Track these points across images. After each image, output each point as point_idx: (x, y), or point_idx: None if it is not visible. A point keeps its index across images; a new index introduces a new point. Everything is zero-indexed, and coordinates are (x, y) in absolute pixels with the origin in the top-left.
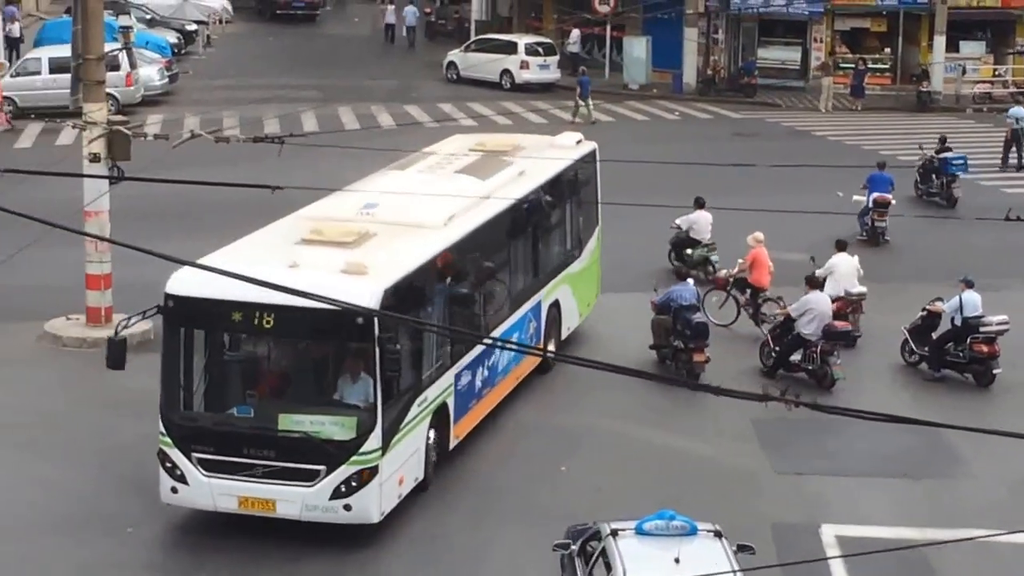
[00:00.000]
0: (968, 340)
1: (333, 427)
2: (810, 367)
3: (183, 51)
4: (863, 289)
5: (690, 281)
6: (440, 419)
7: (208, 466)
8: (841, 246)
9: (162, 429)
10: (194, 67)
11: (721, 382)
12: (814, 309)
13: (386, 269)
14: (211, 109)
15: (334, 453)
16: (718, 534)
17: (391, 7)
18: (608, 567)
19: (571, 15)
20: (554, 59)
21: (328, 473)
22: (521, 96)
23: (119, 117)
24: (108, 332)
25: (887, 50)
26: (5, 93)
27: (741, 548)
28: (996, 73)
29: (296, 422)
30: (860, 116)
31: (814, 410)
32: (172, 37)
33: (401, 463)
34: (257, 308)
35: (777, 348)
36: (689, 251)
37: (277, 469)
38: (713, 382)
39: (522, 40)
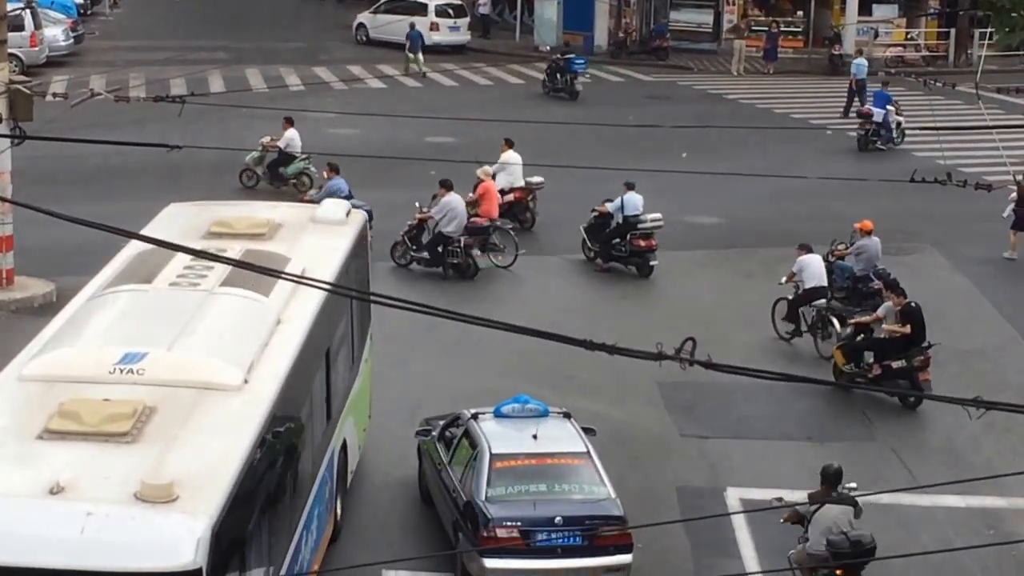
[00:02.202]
0: (628, 236)
1: None
2: (454, 261)
3: (89, 11)
4: (540, 179)
5: None
6: None
7: None
8: (510, 143)
9: None
10: (101, 28)
11: (617, 340)
12: (455, 209)
13: (201, 485)
14: (117, 70)
15: None
16: (567, 415)
17: None
18: (473, 445)
19: None
20: (464, 21)
21: None
22: (430, 58)
23: (21, 77)
24: (9, 294)
25: (799, 13)
26: None
27: (586, 430)
28: (908, 37)
29: None
30: (772, 79)
31: (709, 369)
32: None
33: None
34: None
35: (414, 247)
36: (282, 168)
37: None
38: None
39: (432, 2)
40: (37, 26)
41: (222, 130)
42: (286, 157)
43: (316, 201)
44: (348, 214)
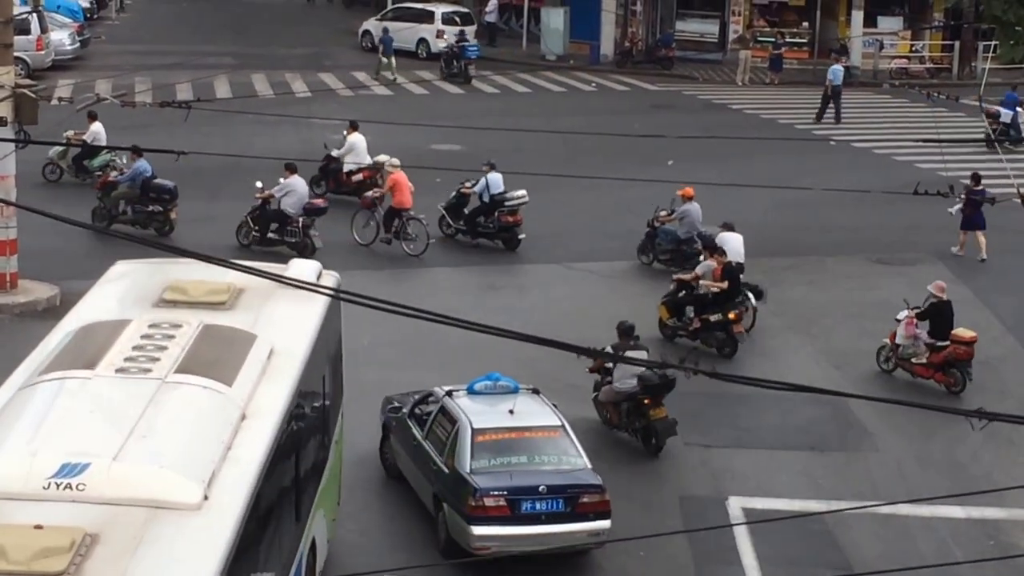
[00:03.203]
0: (496, 213)
1: None
2: (292, 240)
3: (96, 15)
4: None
5: None
6: None
7: None
8: (355, 126)
9: None
10: (107, 32)
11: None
12: (296, 190)
13: None
14: (123, 74)
15: None
16: (535, 391)
17: None
18: (451, 420)
19: None
20: (471, 29)
21: None
22: (437, 65)
23: (27, 81)
24: (13, 298)
25: (805, 24)
26: None
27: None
28: (913, 49)
29: None
30: (777, 90)
31: (713, 378)
32: (85, 1)
33: None
34: None
35: (257, 227)
36: (87, 161)
37: None
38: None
39: (439, 9)
40: (43, 30)
41: (228, 135)
42: (91, 150)
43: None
44: (319, 276)
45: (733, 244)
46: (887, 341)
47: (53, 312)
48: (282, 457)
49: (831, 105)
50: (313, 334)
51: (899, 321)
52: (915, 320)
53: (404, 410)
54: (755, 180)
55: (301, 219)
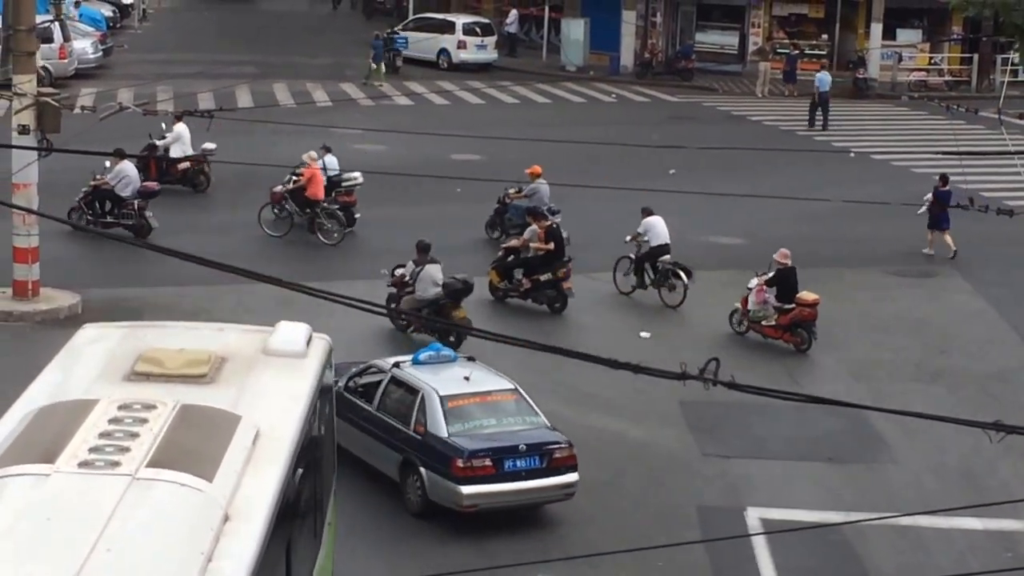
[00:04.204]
0: (333, 193)
1: None
2: (129, 222)
3: (119, 24)
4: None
5: None
6: None
7: None
8: (180, 116)
9: None
10: (129, 41)
11: (641, 359)
12: (128, 176)
13: None
14: (145, 83)
15: None
16: (471, 359)
17: None
18: (410, 390)
19: None
20: (492, 39)
21: None
22: (458, 76)
23: (50, 89)
24: (34, 306)
25: (824, 36)
26: None
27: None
28: (932, 61)
29: None
30: (796, 101)
31: (732, 389)
32: (107, 10)
33: None
34: None
35: (89, 212)
36: None
37: None
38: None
39: (460, 20)
40: (66, 38)
41: (249, 145)
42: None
43: None
44: (309, 342)
45: (658, 228)
46: (739, 306)
47: (74, 320)
48: (270, 562)
49: (819, 112)
50: (304, 409)
51: (750, 288)
52: (764, 286)
53: (339, 384)
54: (774, 191)
55: (136, 202)
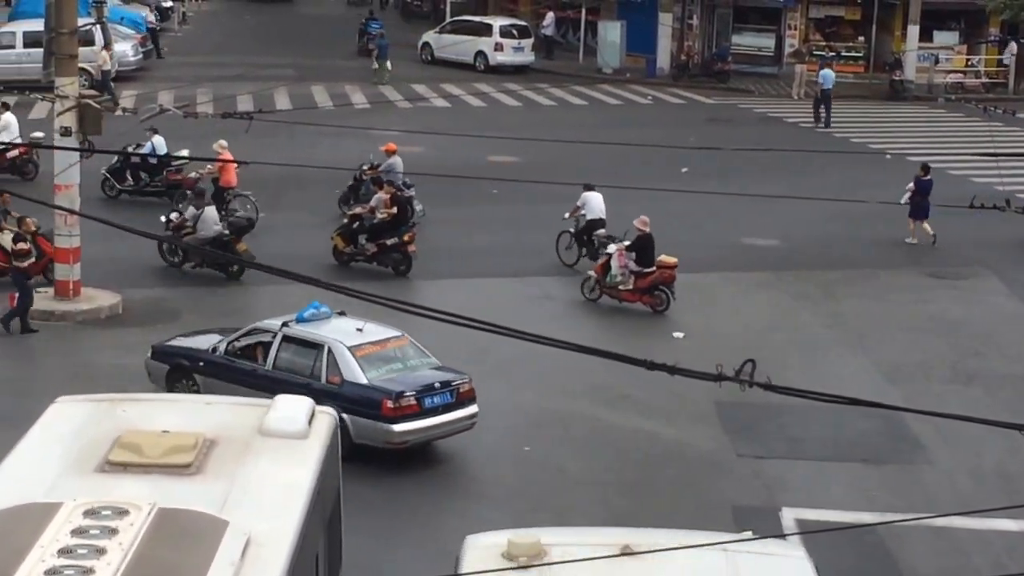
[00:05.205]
0: (164, 172)
1: None
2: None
3: (159, 27)
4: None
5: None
6: None
7: None
8: (6, 106)
9: None
10: (169, 44)
11: (678, 361)
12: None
13: None
14: (185, 85)
15: None
16: (342, 313)
17: None
18: (314, 345)
19: None
20: (528, 41)
21: None
22: (495, 78)
23: (91, 92)
24: (76, 306)
25: (861, 38)
26: None
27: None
28: (968, 63)
29: None
30: (832, 103)
31: (768, 390)
32: (148, 13)
33: None
34: None
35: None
36: None
37: None
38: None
39: (497, 22)
40: (107, 41)
41: (288, 146)
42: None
43: None
44: (312, 418)
45: (594, 202)
46: (592, 273)
47: (115, 320)
48: None
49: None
50: (304, 505)
51: (610, 255)
52: (624, 252)
53: (219, 349)
54: (810, 192)
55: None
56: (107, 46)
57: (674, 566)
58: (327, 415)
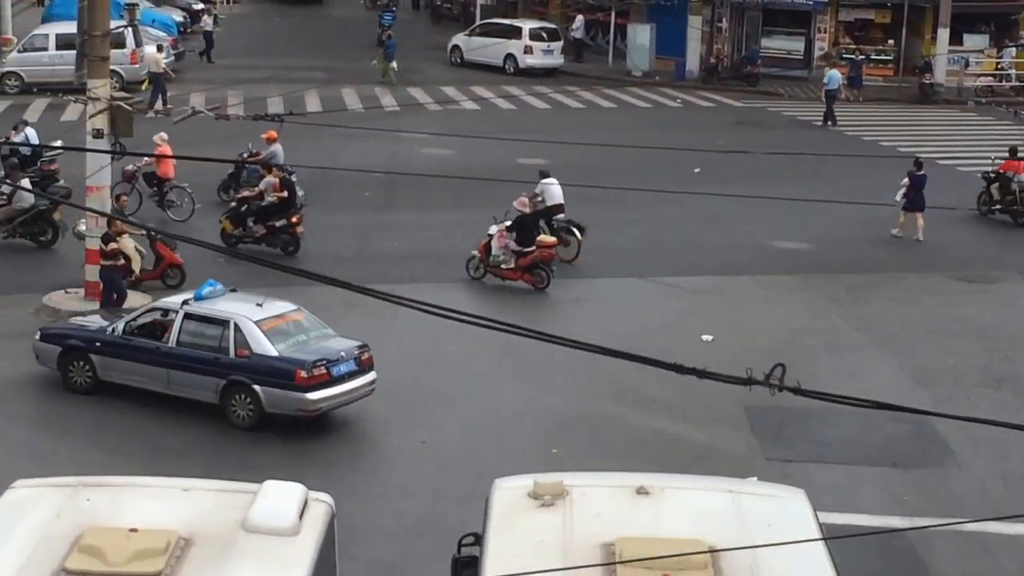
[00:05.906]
0: (39, 163)
1: None
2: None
3: (189, 30)
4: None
5: None
6: None
7: None
8: None
9: None
10: (200, 46)
11: (704, 363)
12: None
13: None
14: (215, 88)
15: None
16: (233, 290)
17: None
18: (219, 322)
19: (576, 1)
20: (558, 44)
21: None
22: (524, 81)
23: (122, 93)
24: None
25: (891, 42)
26: (10, 68)
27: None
28: (999, 66)
29: None
30: (862, 107)
31: (798, 395)
32: (179, 16)
33: None
34: None
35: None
36: None
37: None
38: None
39: (526, 25)
40: (138, 44)
41: (317, 148)
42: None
43: None
44: (304, 509)
45: (552, 189)
46: (476, 253)
47: None
48: None
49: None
50: None
51: (491, 235)
52: (504, 233)
53: (116, 329)
54: (839, 196)
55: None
56: (139, 47)
57: (684, 504)
58: (321, 504)
